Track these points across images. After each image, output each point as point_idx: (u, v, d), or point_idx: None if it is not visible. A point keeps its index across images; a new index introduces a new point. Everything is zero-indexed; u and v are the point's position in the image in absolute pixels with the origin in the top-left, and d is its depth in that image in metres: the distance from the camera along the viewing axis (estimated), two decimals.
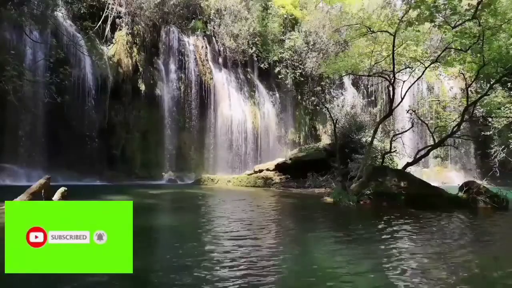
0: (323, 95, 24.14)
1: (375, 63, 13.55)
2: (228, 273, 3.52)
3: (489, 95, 14.08)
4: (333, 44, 23.87)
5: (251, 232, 5.83)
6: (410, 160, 12.10)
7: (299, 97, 25.08)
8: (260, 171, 17.20)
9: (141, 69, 18.59)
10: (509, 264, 4.40)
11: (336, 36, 21.95)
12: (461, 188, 10.04)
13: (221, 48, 22.18)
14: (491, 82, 12.34)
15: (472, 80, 13.37)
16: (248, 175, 17.19)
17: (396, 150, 13.92)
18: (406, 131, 14.49)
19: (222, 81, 21.63)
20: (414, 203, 8.84)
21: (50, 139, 14.61)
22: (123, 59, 17.94)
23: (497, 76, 11.67)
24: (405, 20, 10.73)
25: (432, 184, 10.70)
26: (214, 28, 21.94)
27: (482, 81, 17.00)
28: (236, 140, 21.30)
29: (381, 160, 13.19)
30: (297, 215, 8.51)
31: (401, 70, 13.13)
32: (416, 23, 10.40)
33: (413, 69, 13.47)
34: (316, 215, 8.21)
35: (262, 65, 23.30)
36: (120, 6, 18.16)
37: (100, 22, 17.39)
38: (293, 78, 24.01)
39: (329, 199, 10.17)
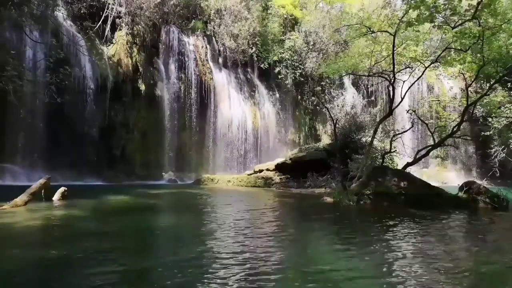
0: (323, 95, 24.12)
1: (375, 63, 13.57)
2: (227, 273, 3.52)
3: (489, 95, 14.10)
4: (333, 44, 23.86)
5: (251, 232, 5.83)
6: (410, 160, 12.11)
7: (299, 97, 25.08)
8: (260, 171, 17.20)
9: (141, 69, 18.58)
10: (510, 264, 4.39)
11: (336, 36, 21.96)
12: (461, 188, 10.04)
13: (221, 48, 22.18)
14: (491, 82, 12.35)
15: (472, 80, 13.39)
16: (248, 175, 17.19)
17: (396, 150, 13.93)
18: (406, 131, 14.52)
19: (222, 81, 21.62)
20: (414, 203, 8.84)
21: (50, 139, 14.59)
22: (123, 59, 17.94)
23: (497, 76, 11.69)
24: (405, 20, 10.74)
25: (432, 184, 10.69)
26: (214, 28, 21.93)
27: (482, 81, 17.03)
28: (236, 140, 21.29)
29: (381, 160, 13.19)
30: (297, 215, 8.52)
31: (401, 70, 13.15)
32: (416, 23, 10.39)
33: (413, 69, 13.50)
34: (316, 215, 8.20)
35: (262, 65, 23.28)
36: (120, 6, 18.15)
37: (100, 22, 17.38)
38: (293, 78, 24.00)
39: (329, 199, 10.17)
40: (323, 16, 24.99)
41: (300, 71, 24.03)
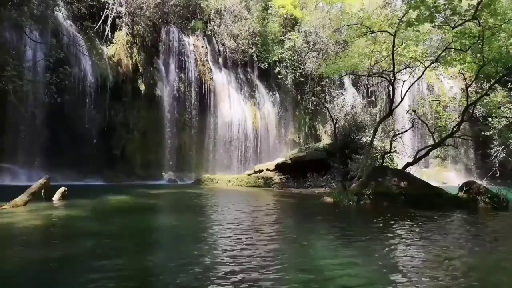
0: (323, 95, 24.12)
1: (375, 63, 13.57)
2: (226, 274, 3.52)
3: (489, 95, 14.10)
4: (333, 44, 23.85)
5: (251, 232, 5.83)
6: (410, 160, 12.12)
7: (299, 97, 25.08)
8: (260, 171, 17.20)
9: (141, 69, 18.58)
10: (509, 264, 4.39)
11: (336, 36, 21.95)
12: (461, 188, 10.04)
13: (221, 48, 22.17)
14: (491, 82, 12.36)
15: (472, 80, 13.40)
16: (248, 175, 17.19)
17: (396, 150, 13.94)
18: (406, 131, 14.53)
19: (222, 81, 21.62)
20: (414, 203, 8.84)
21: (50, 139, 14.60)
22: (123, 59, 17.94)
23: (497, 76, 11.69)
24: (405, 20, 10.74)
25: (432, 184, 10.70)
26: (214, 28, 21.93)
27: (482, 81, 17.04)
28: (236, 140, 21.29)
29: (381, 160, 13.20)
30: (297, 215, 8.52)
31: (401, 70, 13.15)
32: (416, 23, 10.39)
33: (413, 69, 13.51)
34: (316, 215, 8.21)
35: (262, 65, 23.28)
36: (120, 6, 18.14)
37: (100, 22, 17.37)
38: (293, 78, 23.99)
39: (329, 199, 10.17)
40: (323, 16, 24.99)
41: (300, 71, 24.03)
